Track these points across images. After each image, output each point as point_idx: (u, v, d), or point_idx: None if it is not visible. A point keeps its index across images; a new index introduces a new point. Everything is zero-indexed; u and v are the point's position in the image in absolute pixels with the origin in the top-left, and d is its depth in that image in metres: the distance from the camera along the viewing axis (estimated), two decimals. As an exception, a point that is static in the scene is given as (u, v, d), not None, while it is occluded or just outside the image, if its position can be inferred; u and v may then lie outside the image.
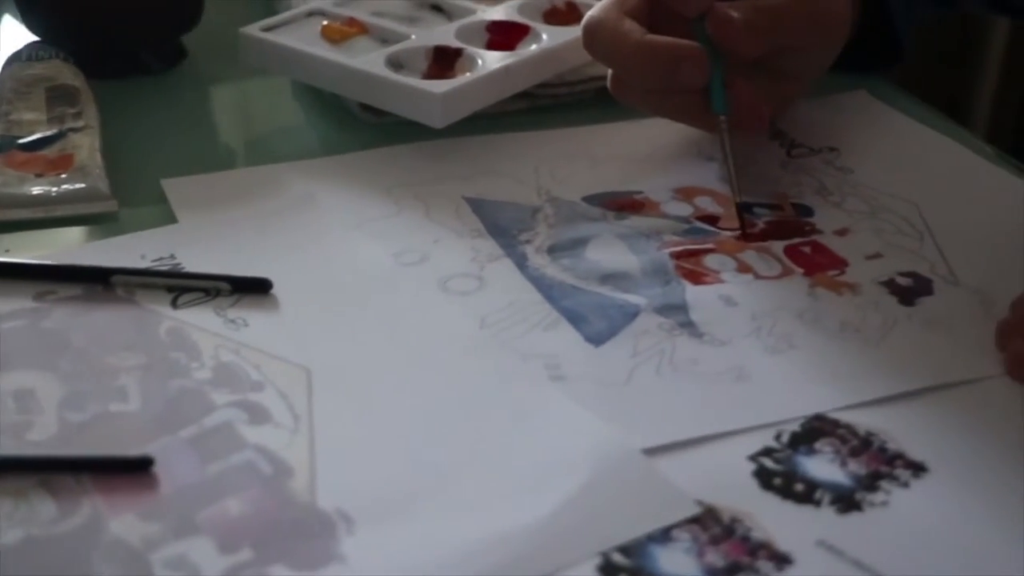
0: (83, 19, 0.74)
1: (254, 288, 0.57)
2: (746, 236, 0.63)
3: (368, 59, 0.70)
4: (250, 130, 0.76)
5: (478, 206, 0.65)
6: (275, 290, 0.57)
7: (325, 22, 0.74)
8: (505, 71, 0.70)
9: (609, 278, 0.59)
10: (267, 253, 0.60)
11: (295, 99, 0.77)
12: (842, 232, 0.64)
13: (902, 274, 0.60)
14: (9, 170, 0.64)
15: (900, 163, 0.70)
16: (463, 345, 0.54)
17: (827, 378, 0.53)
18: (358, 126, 0.72)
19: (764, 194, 0.66)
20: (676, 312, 0.57)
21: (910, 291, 0.59)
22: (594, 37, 0.66)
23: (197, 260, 0.59)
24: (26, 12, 0.76)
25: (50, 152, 0.65)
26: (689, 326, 0.56)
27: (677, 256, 0.61)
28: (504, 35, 0.75)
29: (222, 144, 0.73)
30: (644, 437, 0.49)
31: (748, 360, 0.54)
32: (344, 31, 0.74)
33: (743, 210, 0.64)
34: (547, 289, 0.58)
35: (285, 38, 0.72)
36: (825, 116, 0.75)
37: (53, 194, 0.63)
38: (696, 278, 0.59)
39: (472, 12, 0.76)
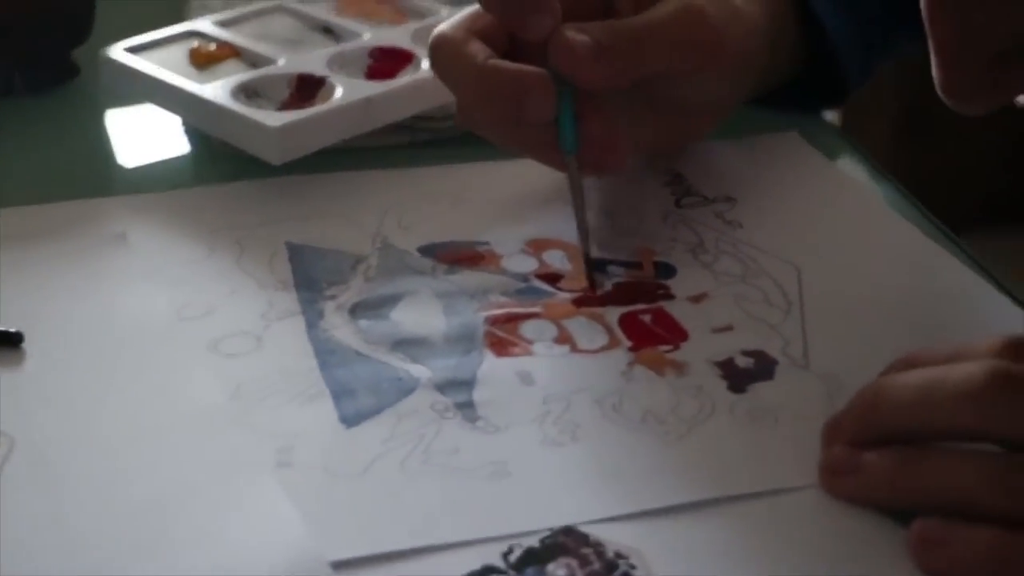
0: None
1: (2, 341, 0.52)
2: (590, 297, 0.55)
3: (214, 87, 0.64)
4: (120, 158, 0.70)
5: (297, 253, 0.58)
6: (28, 344, 0.52)
7: (195, 44, 0.69)
8: (365, 103, 0.64)
9: (402, 344, 0.52)
10: (44, 299, 0.54)
11: (185, 126, 0.71)
12: (698, 298, 0.55)
13: (745, 352, 0.52)
14: None
15: (798, 219, 0.61)
16: (200, 418, 0.48)
17: (598, 481, 0.45)
18: (233, 159, 0.66)
19: (626, 250, 0.59)
20: (458, 389, 0.50)
21: (746, 375, 0.51)
22: (437, 57, 0.58)
23: (-34, 305, 0.54)
24: None
25: None
26: (466, 407, 0.49)
27: (492, 322, 0.54)
28: (386, 62, 0.68)
29: (78, 173, 0.67)
30: (344, 545, 0.42)
31: (517, 453, 0.46)
32: (211, 55, 0.68)
33: (593, 268, 0.57)
34: (326, 355, 0.51)
35: (144, 61, 0.67)
36: (737, 160, 0.66)
37: None
38: (502, 348, 0.52)
39: (359, 36, 0.70)
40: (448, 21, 0.59)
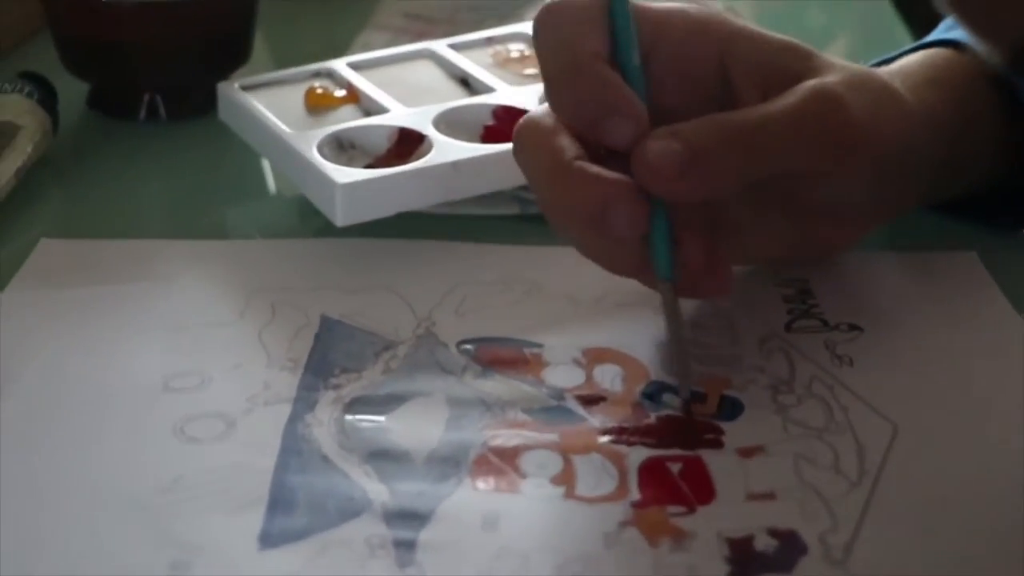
0: (91, 56, 0.69)
1: (-26, 388, 0.48)
2: (623, 428, 0.46)
3: (303, 133, 0.59)
4: (230, 198, 0.66)
5: (328, 329, 0.52)
6: (3, 396, 0.48)
7: (315, 84, 0.64)
8: (452, 168, 0.57)
9: (378, 456, 0.45)
10: (52, 347, 0.51)
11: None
12: (750, 451, 0.45)
13: (772, 532, 0.42)
14: None
15: (927, 365, 0.50)
16: (115, 511, 0.42)
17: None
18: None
19: (694, 375, 0.49)
20: (408, 523, 0.42)
21: (759, 561, 0.40)
22: (521, 146, 0.50)
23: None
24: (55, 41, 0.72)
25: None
26: (403, 547, 0.41)
27: (492, 447, 0.46)
28: (507, 123, 0.61)
29: (182, 209, 0.64)
30: None
31: (432, 617, 0.39)
32: (326, 98, 0.63)
33: (647, 396, 0.48)
34: (290, 456, 0.45)
35: (253, 99, 0.63)
36: (885, 280, 0.55)
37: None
38: (486, 480, 0.44)
39: (492, 92, 0.63)
40: (542, 105, 0.51)
